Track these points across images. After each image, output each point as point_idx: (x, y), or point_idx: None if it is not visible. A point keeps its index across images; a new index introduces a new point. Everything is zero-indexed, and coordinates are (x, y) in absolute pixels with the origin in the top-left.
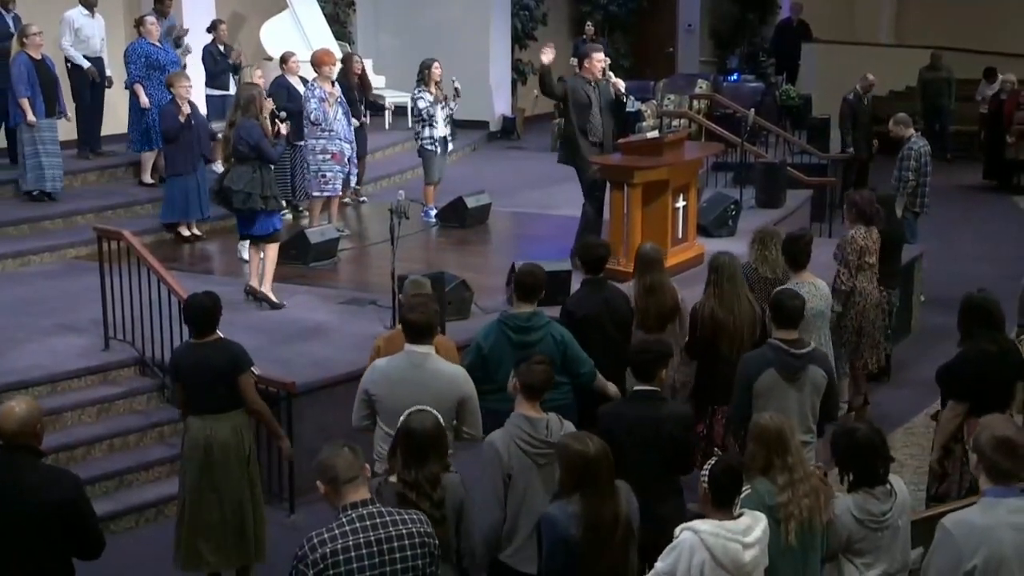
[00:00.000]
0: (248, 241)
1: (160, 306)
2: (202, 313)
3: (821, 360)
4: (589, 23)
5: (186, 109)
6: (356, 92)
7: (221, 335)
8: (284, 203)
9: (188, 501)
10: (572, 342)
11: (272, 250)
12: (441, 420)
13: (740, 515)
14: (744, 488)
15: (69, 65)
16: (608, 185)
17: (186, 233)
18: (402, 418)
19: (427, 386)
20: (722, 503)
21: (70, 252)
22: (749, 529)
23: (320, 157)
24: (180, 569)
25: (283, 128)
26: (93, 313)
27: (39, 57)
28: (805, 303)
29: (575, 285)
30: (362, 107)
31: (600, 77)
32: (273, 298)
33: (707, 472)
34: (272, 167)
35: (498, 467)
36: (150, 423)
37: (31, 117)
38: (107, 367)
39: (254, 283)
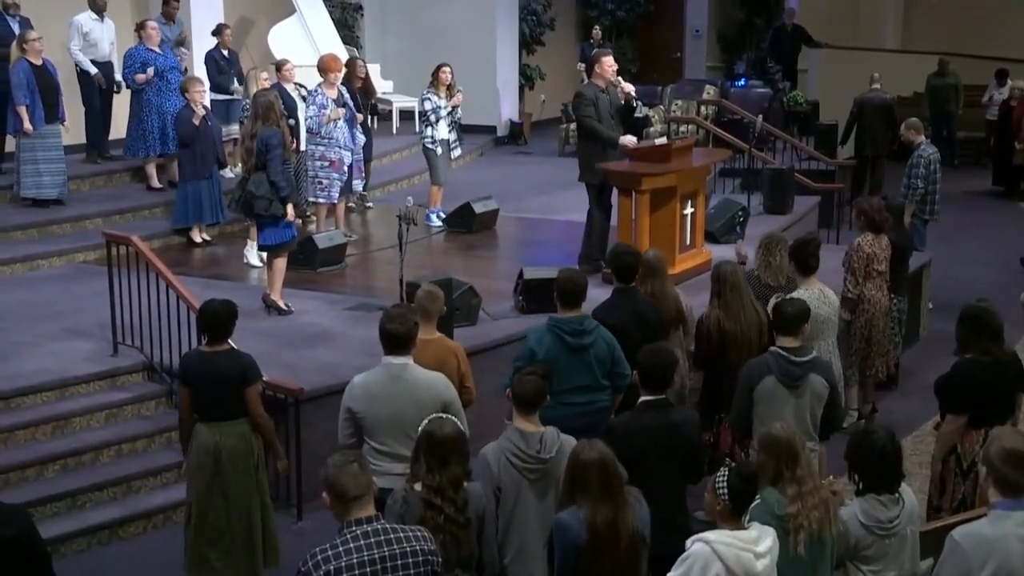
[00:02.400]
0: (260, 251)
1: (168, 311)
2: (214, 320)
3: (823, 369)
4: (596, 27)
5: (200, 113)
6: (359, 97)
7: (233, 345)
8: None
9: (196, 507)
10: (619, 348)
11: (281, 260)
12: (462, 424)
13: (749, 526)
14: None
15: (78, 70)
16: (616, 191)
17: (198, 239)
18: (422, 425)
19: (408, 397)
20: (737, 512)
21: (78, 256)
22: (759, 539)
23: (318, 163)
24: (187, 574)
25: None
26: (101, 318)
27: (39, 63)
28: (808, 309)
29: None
30: (369, 113)
31: (611, 81)
32: (281, 304)
33: (723, 480)
34: (292, 173)
35: (488, 480)
36: (158, 428)
37: (27, 125)
38: (115, 372)
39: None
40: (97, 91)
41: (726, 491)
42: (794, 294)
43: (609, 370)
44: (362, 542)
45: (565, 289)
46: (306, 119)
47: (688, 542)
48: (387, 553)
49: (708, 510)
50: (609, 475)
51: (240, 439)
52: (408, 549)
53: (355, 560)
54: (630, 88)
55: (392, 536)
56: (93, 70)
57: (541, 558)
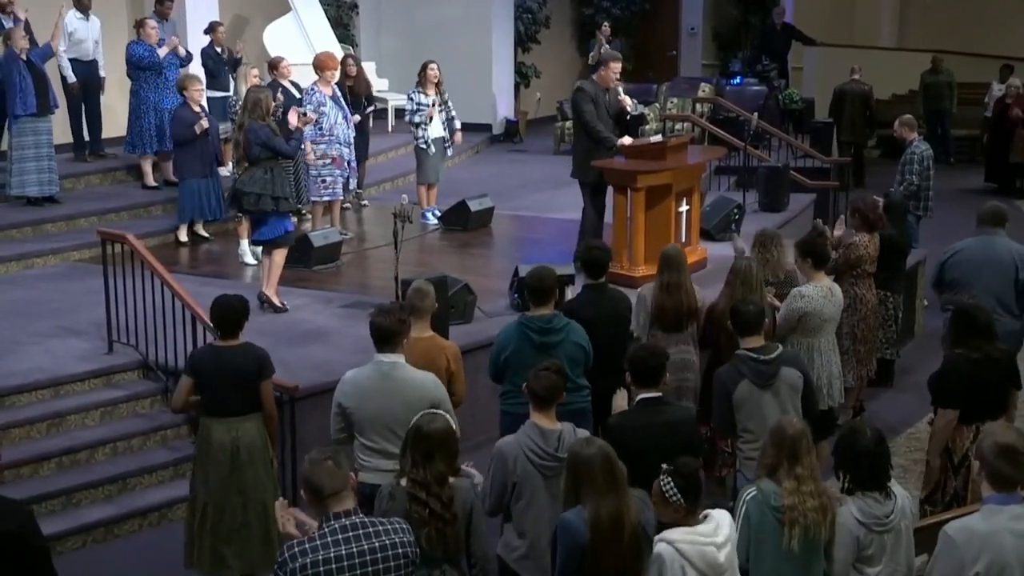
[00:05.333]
0: (254, 245)
1: (164, 309)
2: (228, 314)
3: (792, 360)
4: (607, 23)
5: (197, 111)
6: (348, 94)
7: (245, 340)
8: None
9: (211, 505)
10: (590, 349)
11: (279, 255)
12: (452, 423)
13: (705, 516)
14: (750, 489)
15: (59, 72)
16: (611, 189)
17: (183, 237)
18: (413, 420)
19: (396, 395)
20: (694, 508)
21: (73, 255)
22: (717, 529)
23: (320, 162)
24: (201, 573)
25: (293, 119)
26: (96, 316)
27: (25, 57)
28: (762, 309)
29: (578, 289)
30: (362, 111)
31: (611, 85)
32: (276, 301)
33: (670, 487)
34: (285, 167)
35: (501, 473)
36: (153, 426)
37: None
38: (110, 370)
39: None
40: (80, 93)
41: (680, 496)
42: (803, 288)
43: (583, 369)
44: (340, 536)
45: (533, 287)
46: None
47: (656, 546)
48: (366, 547)
49: (664, 518)
50: (612, 468)
51: (257, 434)
52: (388, 542)
53: (332, 554)
54: (628, 103)
55: (371, 529)
56: (71, 78)
57: None
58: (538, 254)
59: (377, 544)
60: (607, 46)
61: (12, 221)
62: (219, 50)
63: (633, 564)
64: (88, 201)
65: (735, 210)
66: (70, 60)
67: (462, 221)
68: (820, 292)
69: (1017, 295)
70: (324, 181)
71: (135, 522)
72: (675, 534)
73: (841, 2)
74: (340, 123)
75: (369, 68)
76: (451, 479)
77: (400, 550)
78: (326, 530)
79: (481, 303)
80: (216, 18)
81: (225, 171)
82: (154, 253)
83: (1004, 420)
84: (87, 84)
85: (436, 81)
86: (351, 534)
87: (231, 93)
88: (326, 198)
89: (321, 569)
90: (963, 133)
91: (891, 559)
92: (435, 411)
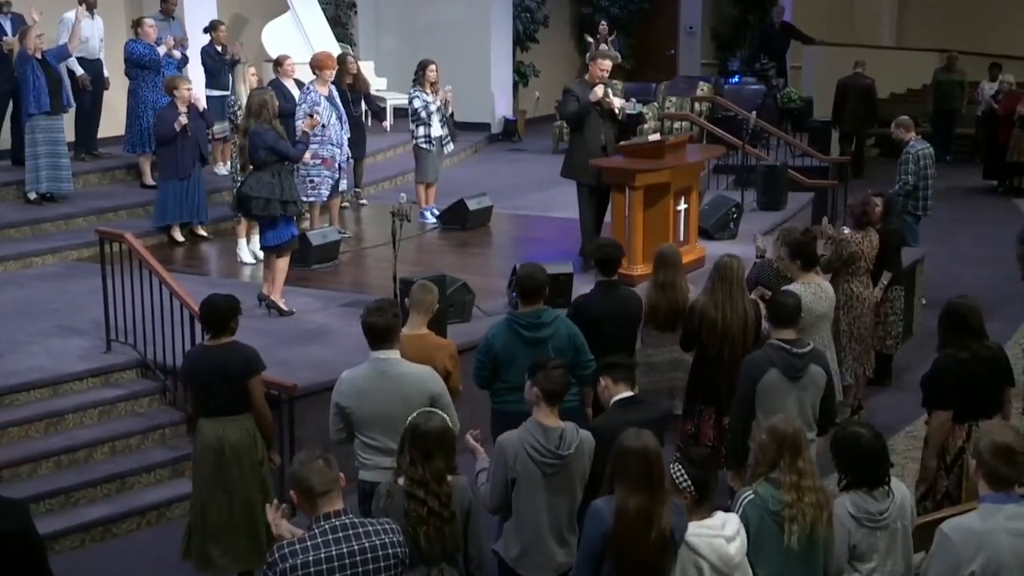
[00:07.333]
0: (260, 247)
1: (162, 308)
2: (214, 314)
3: (820, 359)
4: (603, 22)
5: (183, 109)
6: (349, 93)
7: (234, 338)
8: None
9: (198, 503)
10: (582, 337)
11: (284, 259)
12: (448, 421)
13: (713, 514)
14: (746, 492)
15: (67, 68)
16: (609, 188)
17: (179, 237)
18: (409, 419)
19: (394, 392)
20: (703, 500)
21: (72, 254)
22: (725, 524)
23: (310, 162)
24: (194, 569)
25: (304, 124)
26: (95, 315)
27: (40, 56)
28: (801, 302)
29: (578, 288)
30: (363, 108)
31: (599, 82)
32: (283, 306)
33: (682, 474)
34: (292, 171)
35: (502, 468)
36: (151, 426)
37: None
38: (109, 369)
39: (266, 290)
40: (86, 90)
41: (690, 483)
42: (790, 287)
43: (572, 361)
44: (330, 536)
45: (525, 284)
46: (296, 119)
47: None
48: (356, 547)
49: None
50: (649, 465)
51: (244, 434)
52: (378, 543)
53: (322, 555)
54: (616, 105)
55: (361, 530)
56: (79, 71)
57: (551, 552)
58: (537, 253)
59: (368, 544)
60: (603, 45)
61: (11, 220)
62: (219, 49)
63: (658, 564)
64: (87, 200)
65: (733, 209)
66: (77, 59)
67: (461, 220)
68: (809, 290)
69: None
70: (312, 181)
71: (133, 521)
72: None
73: (840, 1)
74: (333, 124)
75: (368, 67)
76: (449, 477)
77: (390, 550)
78: (316, 531)
79: (479, 302)
80: (215, 17)
81: (223, 170)
82: (152, 252)
83: (1000, 418)
84: (93, 83)
85: (433, 81)
86: (341, 535)
87: (230, 92)
88: (311, 199)
89: (312, 570)
90: (962, 132)
91: (885, 558)
92: (431, 409)
